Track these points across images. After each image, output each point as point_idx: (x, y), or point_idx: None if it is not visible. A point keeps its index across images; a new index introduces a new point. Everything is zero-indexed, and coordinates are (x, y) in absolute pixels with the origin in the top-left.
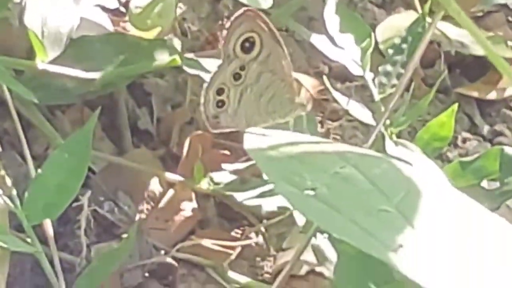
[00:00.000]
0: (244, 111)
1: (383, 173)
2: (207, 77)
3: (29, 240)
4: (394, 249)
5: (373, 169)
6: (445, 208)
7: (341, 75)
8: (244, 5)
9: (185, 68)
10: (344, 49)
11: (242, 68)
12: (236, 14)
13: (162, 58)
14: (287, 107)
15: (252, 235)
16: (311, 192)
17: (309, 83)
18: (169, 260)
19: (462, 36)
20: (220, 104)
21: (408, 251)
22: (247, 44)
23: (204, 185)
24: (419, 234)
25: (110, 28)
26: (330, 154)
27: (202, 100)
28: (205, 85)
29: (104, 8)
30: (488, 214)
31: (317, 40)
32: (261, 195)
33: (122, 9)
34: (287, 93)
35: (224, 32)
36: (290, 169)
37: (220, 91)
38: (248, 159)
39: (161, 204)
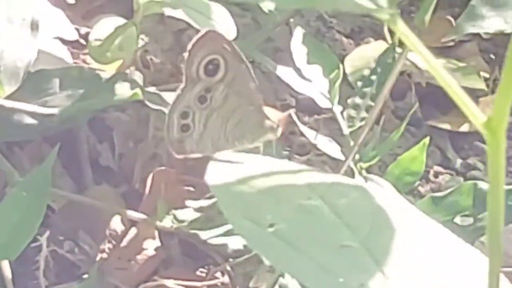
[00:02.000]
0: (210, 136)
1: (351, 203)
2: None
3: None
4: None
5: (340, 200)
6: (417, 239)
7: (309, 108)
8: None
9: (147, 103)
10: (311, 81)
11: (207, 90)
12: (198, 35)
13: (123, 92)
14: (255, 132)
15: (218, 274)
16: (270, 229)
17: (275, 116)
18: None
19: None
20: (185, 128)
21: None
22: (210, 67)
23: (168, 223)
24: (385, 272)
25: (70, 61)
26: (296, 185)
27: (165, 124)
28: (168, 108)
29: (63, 41)
30: (465, 247)
31: (284, 72)
32: (227, 233)
33: (82, 41)
34: (255, 117)
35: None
36: (250, 204)
37: (184, 115)
38: (213, 196)
39: (123, 243)
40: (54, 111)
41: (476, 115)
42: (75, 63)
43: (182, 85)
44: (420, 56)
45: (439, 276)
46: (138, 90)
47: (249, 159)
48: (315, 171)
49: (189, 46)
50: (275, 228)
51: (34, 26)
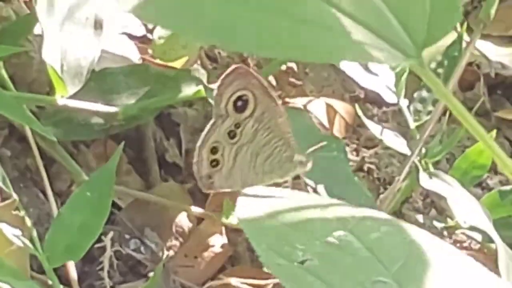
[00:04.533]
0: (239, 171)
1: (382, 238)
2: None
3: (50, 283)
4: None
5: (371, 234)
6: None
7: (377, 100)
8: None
9: (210, 100)
10: (377, 75)
11: (237, 125)
12: (227, 71)
13: (188, 89)
14: (285, 166)
15: None
16: (302, 265)
17: (344, 109)
18: None
19: (502, 56)
20: (214, 163)
21: None
22: (239, 103)
23: (234, 219)
24: None
25: (136, 56)
26: (326, 219)
27: (194, 159)
28: (198, 143)
29: (130, 36)
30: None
31: (349, 66)
32: None
33: (150, 36)
34: (285, 151)
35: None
36: (280, 239)
37: (214, 150)
38: None
39: (190, 240)
40: (119, 109)
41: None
42: (142, 58)
43: (211, 121)
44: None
45: None
46: (201, 88)
47: (278, 193)
48: (344, 205)
49: (218, 82)
50: (307, 264)
51: (98, 25)
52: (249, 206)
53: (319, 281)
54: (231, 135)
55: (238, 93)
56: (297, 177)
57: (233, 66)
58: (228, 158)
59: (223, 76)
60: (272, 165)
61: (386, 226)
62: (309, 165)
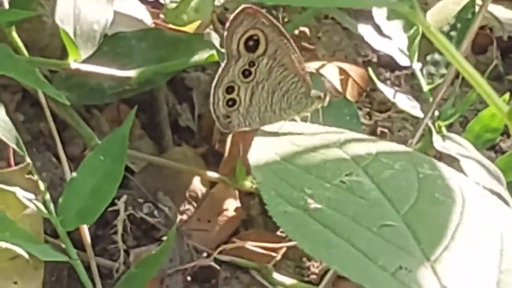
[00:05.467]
0: (256, 109)
1: (395, 175)
2: None
3: (64, 246)
4: (392, 273)
5: (384, 172)
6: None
7: (390, 63)
8: None
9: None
10: (391, 38)
11: (251, 64)
12: (235, 12)
13: (201, 53)
14: (302, 102)
15: None
16: (308, 212)
17: (356, 73)
18: (211, 263)
19: None
20: (231, 103)
21: (408, 273)
22: (250, 43)
23: (248, 183)
24: (426, 253)
25: (149, 21)
26: (341, 159)
27: (211, 100)
28: (213, 83)
29: (142, 0)
30: None
31: (363, 29)
32: None
33: (162, 0)
34: (301, 87)
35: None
36: (290, 183)
37: (229, 89)
38: None
39: (203, 204)
40: (132, 73)
41: (500, 107)
42: (154, 23)
43: (224, 61)
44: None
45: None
46: (214, 52)
47: (297, 128)
48: (368, 139)
49: (227, 24)
50: (313, 210)
51: None
52: (263, 149)
53: (325, 230)
54: (246, 74)
55: (249, 33)
56: None
57: (241, 6)
58: (245, 97)
59: (231, 17)
60: (289, 101)
61: (402, 161)
62: (327, 99)
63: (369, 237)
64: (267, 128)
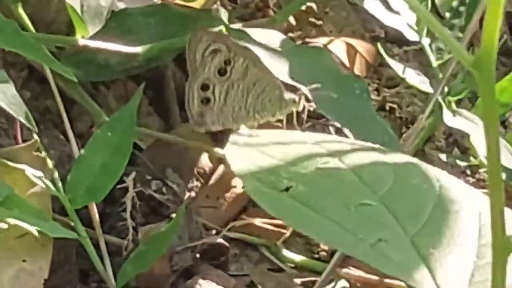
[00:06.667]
0: (231, 109)
1: (371, 165)
2: (255, 49)
3: (72, 224)
4: (371, 244)
5: (360, 161)
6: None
7: (398, 39)
8: None
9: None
10: (399, 13)
11: (227, 62)
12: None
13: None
14: (276, 105)
15: None
16: (285, 191)
17: (364, 48)
18: (220, 240)
19: None
20: (205, 101)
21: (388, 245)
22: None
23: None
24: (405, 227)
25: None
26: (316, 154)
27: (186, 97)
28: (187, 82)
29: None
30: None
31: (371, 4)
32: None
33: None
34: (276, 89)
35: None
36: (267, 170)
37: (204, 87)
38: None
39: (212, 181)
40: (139, 49)
41: (465, 57)
42: None
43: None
44: None
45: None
46: (222, 27)
47: (267, 132)
48: (336, 140)
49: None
50: (291, 191)
51: None
52: (239, 144)
53: (304, 207)
54: (221, 72)
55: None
56: (321, 117)
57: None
58: (219, 95)
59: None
60: (263, 103)
61: (376, 154)
62: (301, 104)
63: (347, 213)
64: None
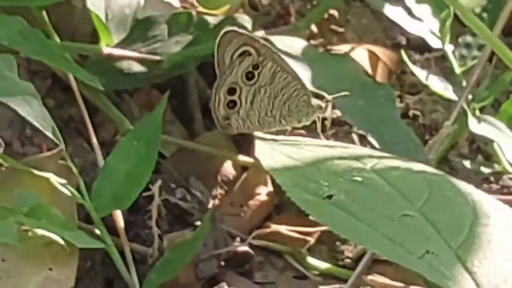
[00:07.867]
0: (256, 113)
1: (403, 175)
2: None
3: (98, 232)
4: (419, 256)
5: (392, 172)
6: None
7: (420, 46)
8: None
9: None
10: (422, 20)
11: (255, 67)
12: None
13: None
14: (303, 110)
15: None
16: (328, 199)
17: (386, 56)
18: (245, 248)
19: None
20: (231, 105)
21: (435, 257)
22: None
23: None
24: (447, 240)
25: (177, 5)
26: (346, 158)
27: (212, 100)
28: (215, 84)
29: None
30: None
31: (393, 12)
32: None
33: None
34: (303, 95)
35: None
36: (305, 176)
37: (231, 91)
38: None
39: (235, 189)
40: (163, 58)
41: None
42: (182, 7)
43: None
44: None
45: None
46: None
47: (290, 139)
48: (359, 147)
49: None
50: (334, 199)
51: None
52: (267, 150)
53: (348, 215)
54: (249, 76)
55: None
56: (345, 124)
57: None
58: (246, 100)
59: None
60: (290, 109)
61: (406, 165)
62: (328, 110)
63: (391, 225)
64: (266, 135)
